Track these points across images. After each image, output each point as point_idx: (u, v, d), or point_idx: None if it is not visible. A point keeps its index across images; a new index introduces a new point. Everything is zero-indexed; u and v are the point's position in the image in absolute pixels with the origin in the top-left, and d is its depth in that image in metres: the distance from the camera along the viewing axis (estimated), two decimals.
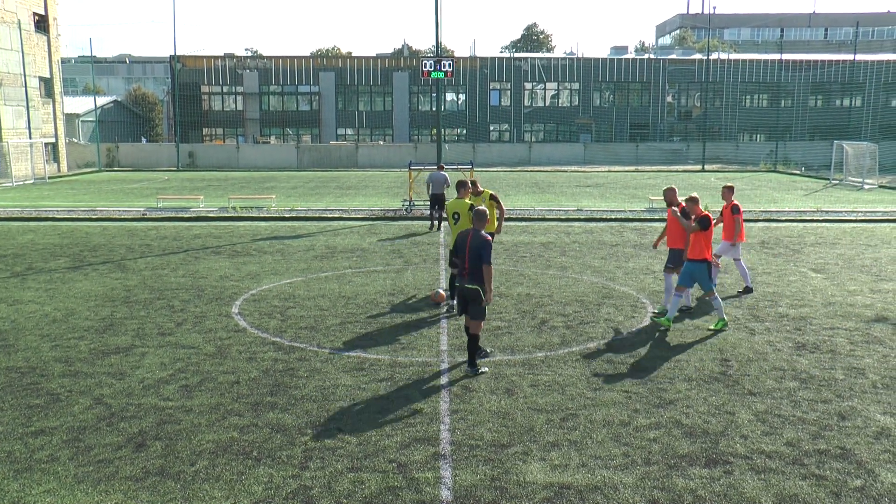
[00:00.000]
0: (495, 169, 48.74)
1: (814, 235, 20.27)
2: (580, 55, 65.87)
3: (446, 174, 21.34)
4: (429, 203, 21.63)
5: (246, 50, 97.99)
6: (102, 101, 64.61)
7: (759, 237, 19.89)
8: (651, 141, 62.21)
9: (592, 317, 11.53)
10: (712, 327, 10.85)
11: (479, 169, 43.46)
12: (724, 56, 66.18)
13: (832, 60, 65.33)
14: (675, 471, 6.47)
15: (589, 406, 7.90)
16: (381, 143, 59.50)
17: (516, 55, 68.15)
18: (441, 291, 12.42)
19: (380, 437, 7.12)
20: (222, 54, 65.26)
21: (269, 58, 64.73)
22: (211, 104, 64.53)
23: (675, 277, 11.39)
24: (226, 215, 24.06)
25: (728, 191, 13.34)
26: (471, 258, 8.68)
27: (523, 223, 22.55)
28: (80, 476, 6.36)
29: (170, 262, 16.07)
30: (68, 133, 54.96)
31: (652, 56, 68.67)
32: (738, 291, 13.23)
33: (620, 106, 65.52)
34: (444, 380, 8.70)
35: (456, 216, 11.41)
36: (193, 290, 13.40)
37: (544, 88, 65.54)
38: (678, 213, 11.26)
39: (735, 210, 13.13)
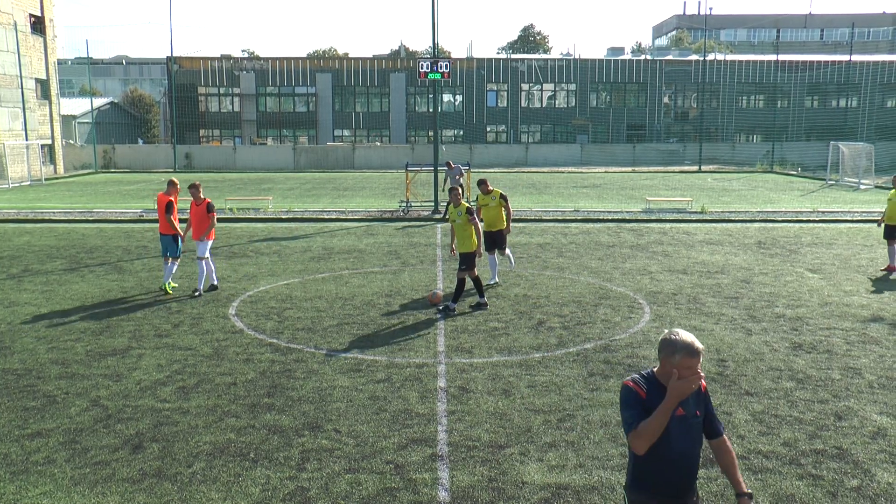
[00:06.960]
0: (492, 170, 48.71)
1: (810, 236, 20.31)
2: (577, 56, 65.89)
3: (459, 167, 24.17)
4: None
5: (242, 51, 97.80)
6: (99, 102, 64.49)
7: (755, 237, 19.93)
8: (648, 142, 62.25)
9: (589, 317, 11.54)
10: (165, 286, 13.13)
11: (476, 170, 43.40)
12: (720, 57, 66.27)
13: (828, 61, 65.44)
14: None
15: (586, 407, 7.90)
16: (378, 144, 59.48)
17: (513, 56, 68.15)
18: (438, 292, 12.44)
19: (377, 439, 7.12)
20: (219, 56, 65.13)
21: (266, 59, 64.65)
22: (207, 105, 64.42)
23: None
24: (223, 216, 24.02)
25: (194, 188, 13.29)
26: None
27: (520, 224, 22.54)
28: (77, 478, 6.35)
29: None
30: (65, 135, 54.88)
31: (648, 57, 68.73)
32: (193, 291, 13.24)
33: (617, 107, 65.55)
34: (441, 381, 8.70)
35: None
36: (190, 291, 13.37)
37: (541, 89, 65.55)
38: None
39: (210, 208, 13.30)
